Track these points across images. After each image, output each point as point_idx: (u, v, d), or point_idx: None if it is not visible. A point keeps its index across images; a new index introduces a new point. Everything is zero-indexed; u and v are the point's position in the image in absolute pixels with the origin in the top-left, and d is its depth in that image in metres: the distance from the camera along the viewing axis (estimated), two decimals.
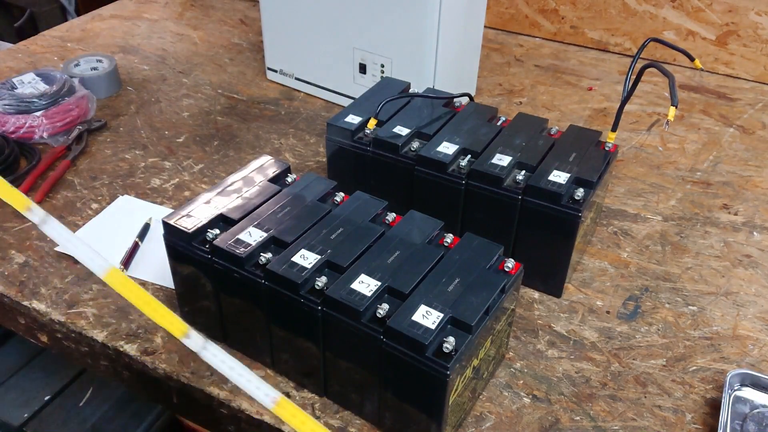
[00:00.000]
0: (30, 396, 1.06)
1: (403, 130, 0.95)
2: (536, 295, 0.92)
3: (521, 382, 0.80)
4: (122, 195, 1.08)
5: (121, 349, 0.83)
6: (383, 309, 0.66)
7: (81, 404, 1.06)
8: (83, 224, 1.02)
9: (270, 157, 0.90)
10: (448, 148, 0.91)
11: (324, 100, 1.37)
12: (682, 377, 0.81)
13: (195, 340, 0.55)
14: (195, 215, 0.78)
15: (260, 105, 1.35)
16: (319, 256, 0.72)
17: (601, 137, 0.96)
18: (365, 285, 0.69)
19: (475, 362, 0.70)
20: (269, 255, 0.73)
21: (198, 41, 1.59)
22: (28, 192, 1.08)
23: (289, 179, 0.87)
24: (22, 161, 1.16)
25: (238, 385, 0.54)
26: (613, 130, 0.94)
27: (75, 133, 1.21)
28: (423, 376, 0.65)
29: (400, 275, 0.70)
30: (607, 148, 0.93)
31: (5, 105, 1.19)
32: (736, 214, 1.08)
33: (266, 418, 0.75)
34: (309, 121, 1.30)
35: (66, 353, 0.90)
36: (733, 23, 1.42)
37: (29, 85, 1.25)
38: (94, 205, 1.06)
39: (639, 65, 0.92)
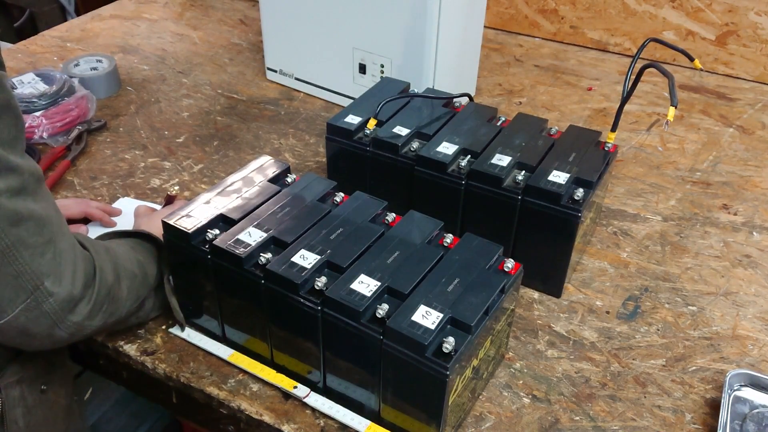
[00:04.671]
0: None
1: (402, 130, 0.95)
2: (536, 295, 0.92)
3: (521, 382, 0.80)
4: (122, 195, 1.08)
5: (121, 349, 0.83)
6: (383, 309, 0.66)
7: None
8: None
9: (270, 158, 0.90)
10: (447, 148, 0.91)
11: (324, 100, 1.37)
12: (682, 377, 0.81)
13: (301, 390, 0.77)
14: (195, 215, 0.78)
15: (260, 105, 1.35)
16: (318, 257, 0.72)
17: (601, 137, 0.96)
18: (365, 285, 0.69)
19: (475, 362, 0.70)
20: (269, 255, 0.73)
21: (198, 41, 1.59)
22: None
23: (288, 179, 0.87)
24: None
25: (337, 418, 0.75)
26: (613, 130, 0.94)
27: (75, 133, 1.21)
28: (423, 376, 0.65)
29: (399, 275, 0.70)
30: (606, 148, 0.93)
31: None
32: (735, 214, 1.08)
33: (266, 418, 0.75)
34: (309, 121, 1.30)
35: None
36: (732, 23, 1.42)
37: (29, 85, 1.25)
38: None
39: (639, 65, 0.92)
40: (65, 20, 2.17)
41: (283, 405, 0.77)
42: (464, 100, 1.05)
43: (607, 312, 0.90)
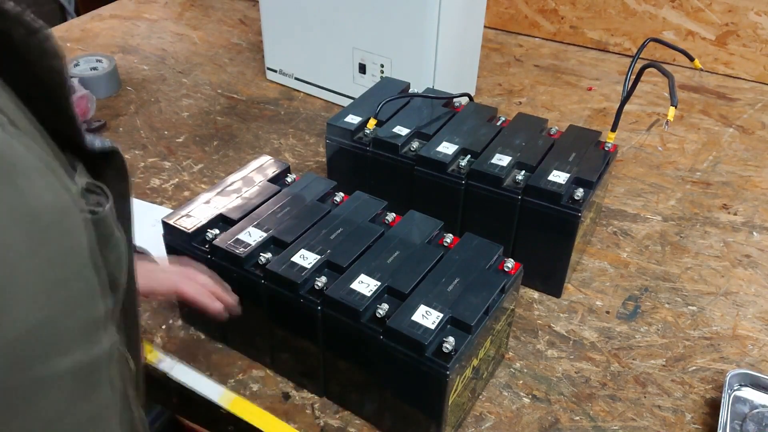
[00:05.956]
0: None
1: (402, 130, 0.95)
2: (536, 295, 0.92)
3: (521, 382, 0.80)
4: None
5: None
6: (383, 309, 0.66)
7: None
8: None
9: (270, 157, 0.90)
10: (447, 148, 0.91)
11: (324, 100, 1.37)
12: (682, 377, 0.81)
13: None
14: (195, 215, 0.78)
15: (260, 105, 1.35)
16: (318, 256, 0.72)
17: (601, 137, 0.96)
18: (365, 285, 0.69)
19: (475, 362, 0.70)
20: (269, 255, 0.73)
21: (198, 41, 1.59)
22: None
23: (288, 179, 0.87)
24: None
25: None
26: (613, 130, 0.94)
27: None
28: (423, 376, 0.65)
29: (399, 275, 0.70)
30: (606, 148, 0.93)
31: None
32: (735, 214, 1.08)
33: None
34: (309, 121, 1.30)
35: None
36: (732, 23, 1.42)
37: None
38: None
39: (639, 65, 0.92)
40: (65, 20, 2.16)
41: (283, 405, 0.77)
42: (464, 100, 1.05)
43: (607, 312, 0.90)
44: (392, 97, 1.00)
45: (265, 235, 0.76)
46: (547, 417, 0.76)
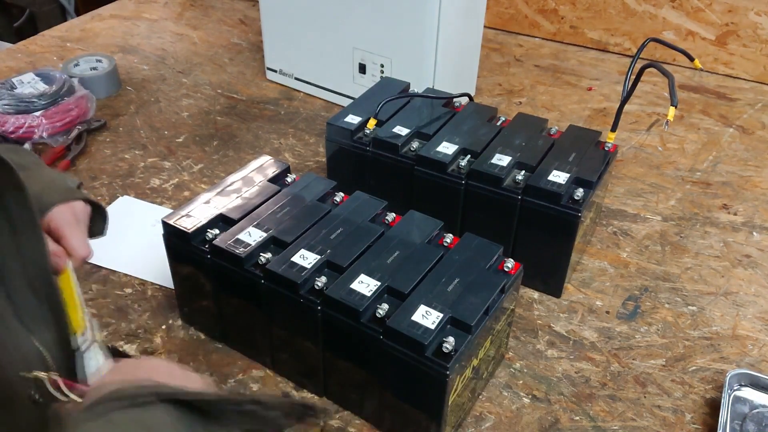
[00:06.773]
0: None
1: (402, 130, 0.95)
2: (536, 295, 0.92)
3: (521, 382, 0.80)
4: (122, 195, 1.08)
5: (121, 349, 0.83)
6: (383, 309, 0.66)
7: None
8: None
9: (269, 157, 0.90)
10: (447, 148, 0.91)
11: (324, 100, 1.36)
12: (682, 377, 0.81)
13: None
14: (195, 215, 0.78)
15: (260, 105, 1.35)
16: (318, 256, 0.72)
17: (601, 137, 0.96)
18: (365, 285, 0.69)
19: (475, 362, 0.70)
20: (269, 255, 0.73)
21: (198, 41, 1.59)
22: None
23: (288, 179, 0.87)
24: None
25: None
26: (613, 130, 0.94)
27: (74, 133, 1.21)
28: (422, 376, 0.65)
29: (399, 275, 0.70)
30: (606, 148, 0.93)
31: (5, 105, 1.19)
32: (735, 214, 1.08)
33: None
34: (309, 121, 1.30)
35: None
36: (732, 23, 1.42)
37: (29, 85, 1.25)
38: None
39: (639, 65, 0.92)
40: (65, 20, 2.16)
41: None
42: (464, 100, 1.05)
43: (607, 312, 0.90)
44: (392, 97, 1.00)
45: (265, 235, 0.76)
46: (547, 417, 0.76)
